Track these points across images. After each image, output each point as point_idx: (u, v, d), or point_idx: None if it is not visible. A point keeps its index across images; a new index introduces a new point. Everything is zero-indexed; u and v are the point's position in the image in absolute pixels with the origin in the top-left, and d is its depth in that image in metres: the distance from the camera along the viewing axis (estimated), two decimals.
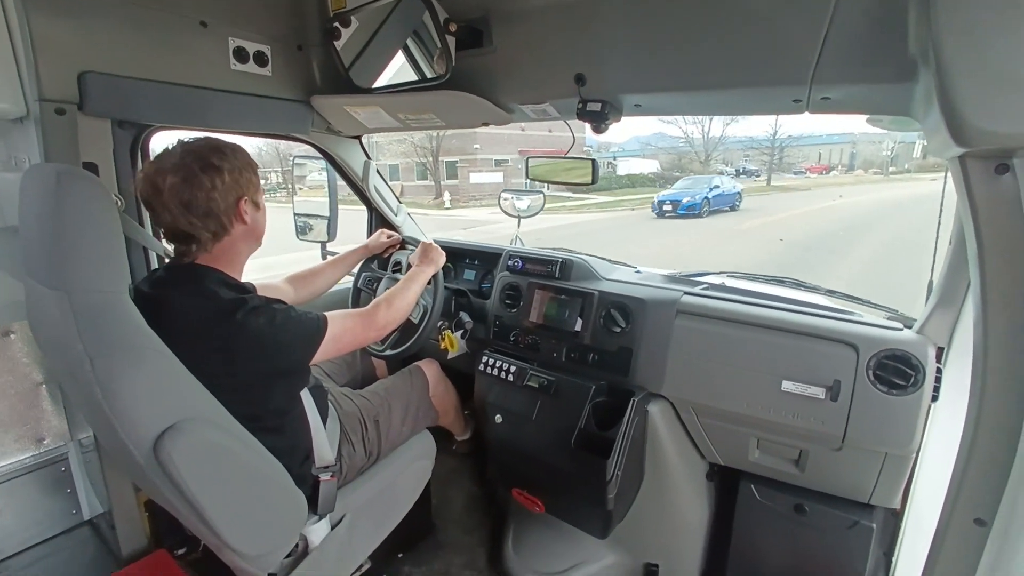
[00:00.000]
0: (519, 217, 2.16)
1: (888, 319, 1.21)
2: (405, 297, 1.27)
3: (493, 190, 21.13)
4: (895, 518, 1.20)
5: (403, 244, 1.69)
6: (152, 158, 1.00)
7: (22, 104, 1.10)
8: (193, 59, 1.25)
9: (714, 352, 1.21)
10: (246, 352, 0.95)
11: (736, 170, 31.06)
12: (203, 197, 0.95)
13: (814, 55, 0.85)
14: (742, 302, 1.27)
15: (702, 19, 0.95)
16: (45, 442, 1.46)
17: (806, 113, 1.00)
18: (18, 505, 1.42)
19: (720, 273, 1.61)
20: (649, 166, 29.90)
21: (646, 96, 1.13)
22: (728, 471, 1.36)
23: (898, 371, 1.03)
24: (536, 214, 2.18)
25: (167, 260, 1.08)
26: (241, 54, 1.32)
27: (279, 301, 1.03)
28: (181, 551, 1.41)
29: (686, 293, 1.32)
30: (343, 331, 1.09)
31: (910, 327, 1.11)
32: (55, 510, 1.49)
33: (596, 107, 1.14)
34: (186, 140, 1.00)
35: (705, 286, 1.42)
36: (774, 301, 1.27)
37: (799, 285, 1.49)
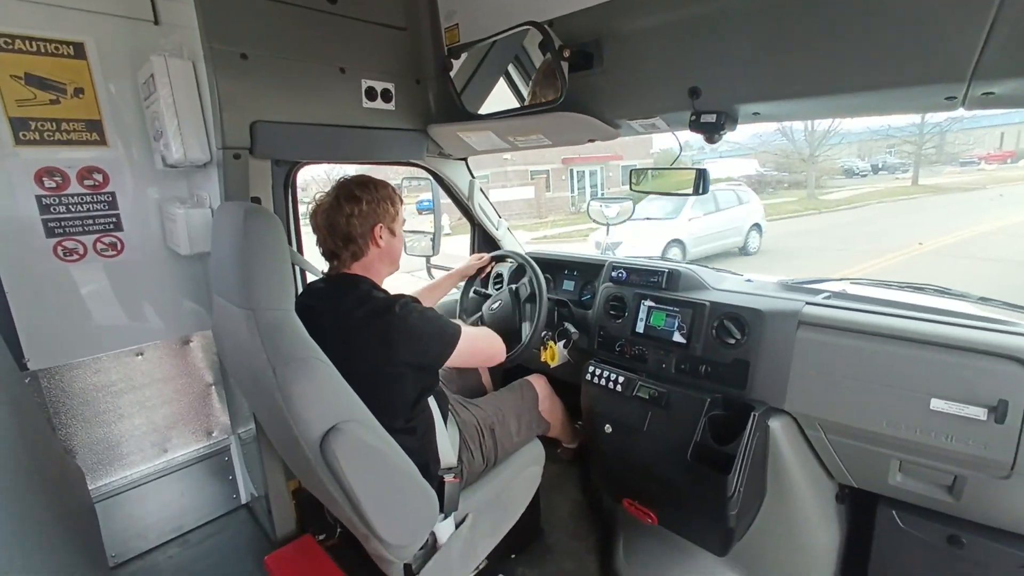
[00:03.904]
0: (607, 224, 2.19)
1: None
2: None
3: (521, 208, 17.86)
4: None
5: (501, 258, 1.78)
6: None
7: (207, 152, 1.32)
8: (333, 102, 1.43)
9: (845, 367, 1.14)
10: (401, 340, 1.07)
11: (872, 166, 25.44)
12: (343, 222, 1.14)
13: (975, 49, 0.78)
14: (875, 312, 1.18)
15: (835, 21, 0.91)
16: (213, 435, 1.72)
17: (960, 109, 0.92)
18: (194, 488, 1.68)
19: (841, 280, 1.50)
20: (745, 168, 21.72)
21: (767, 104, 1.10)
22: (863, 494, 1.26)
23: None
24: (625, 221, 2.19)
25: (318, 277, 1.25)
26: (371, 93, 1.48)
27: (420, 302, 1.17)
28: (321, 536, 1.58)
29: (808, 303, 1.25)
30: (475, 349, 1.24)
31: None
32: (220, 494, 1.74)
33: (711, 118, 1.13)
34: (343, 177, 1.19)
35: (827, 295, 1.34)
36: (913, 311, 1.17)
37: (943, 292, 1.35)
